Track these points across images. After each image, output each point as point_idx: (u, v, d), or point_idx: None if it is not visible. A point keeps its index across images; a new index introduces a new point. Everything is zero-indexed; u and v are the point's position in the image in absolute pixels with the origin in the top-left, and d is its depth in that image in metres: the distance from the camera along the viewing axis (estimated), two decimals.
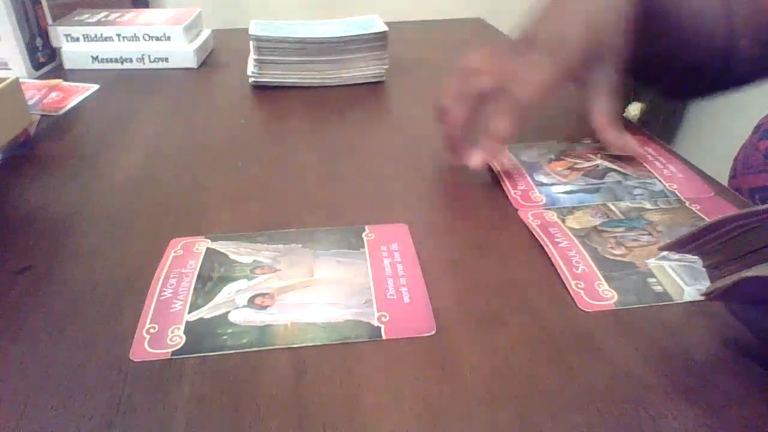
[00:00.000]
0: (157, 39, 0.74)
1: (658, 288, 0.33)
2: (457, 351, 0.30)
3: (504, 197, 0.43)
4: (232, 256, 0.37)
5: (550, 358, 0.29)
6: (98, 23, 0.75)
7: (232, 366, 0.29)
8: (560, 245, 0.37)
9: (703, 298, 0.27)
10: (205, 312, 0.32)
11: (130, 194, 0.45)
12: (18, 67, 0.69)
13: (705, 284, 0.29)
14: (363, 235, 0.39)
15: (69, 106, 0.62)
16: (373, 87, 0.68)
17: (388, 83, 0.68)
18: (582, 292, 0.33)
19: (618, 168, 0.46)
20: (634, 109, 1.69)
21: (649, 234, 0.38)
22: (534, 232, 0.39)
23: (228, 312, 0.32)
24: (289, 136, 0.55)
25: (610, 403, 0.26)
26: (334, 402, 0.27)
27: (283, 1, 1.77)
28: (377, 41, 0.67)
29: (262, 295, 0.33)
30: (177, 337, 0.30)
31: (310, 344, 0.30)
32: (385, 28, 0.67)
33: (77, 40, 0.74)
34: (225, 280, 0.35)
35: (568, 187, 0.44)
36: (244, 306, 0.32)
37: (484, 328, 0.31)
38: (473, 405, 0.27)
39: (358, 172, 0.48)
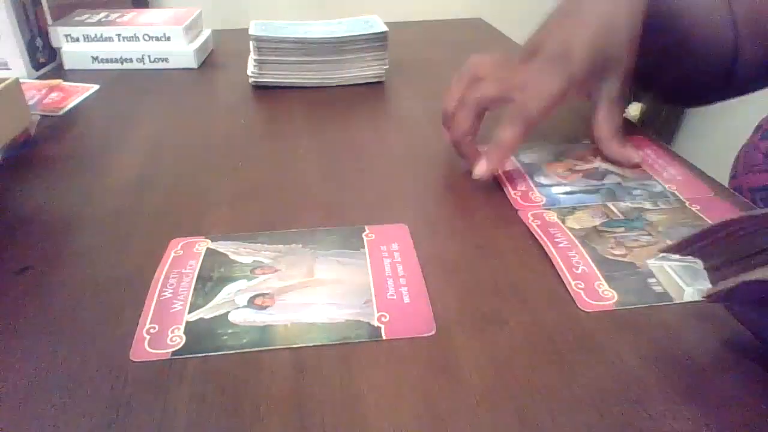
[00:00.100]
0: (157, 39, 0.74)
1: (658, 288, 0.33)
2: (457, 351, 0.30)
3: (504, 197, 0.43)
4: (232, 257, 0.37)
5: (550, 358, 0.29)
6: (98, 23, 0.75)
7: (232, 366, 0.29)
8: (560, 245, 0.37)
9: (703, 299, 0.27)
10: (205, 312, 0.32)
11: (130, 194, 0.45)
12: (18, 67, 0.69)
13: (705, 284, 0.29)
14: (363, 235, 0.39)
15: (69, 106, 0.62)
16: (373, 87, 0.68)
17: (388, 83, 0.68)
18: (582, 292, 0.33)
19: (617, 170, 0.46)
20: (634, 109, 1.69)
21: (649, 234, 0.38)
22: (534, 233, 0.39)
23: (228, 312, 0.32)
24: (289, 136, 0.55)
25: (610, 403, 0.26)
26: (334, 402, 0.27)
27: (283, 1, 1.78)
28: (377, 41, 0.67)
29: (262, 295, 0.33)
30: (177, 338, 0.30)
31: (310, 344, 0.30)
32: (385, 28, 0.67)
33: (77, 40, 0.74)
34: (225, 280, 0.35)
35: (568, 188, 0.44)
36: (244, 306, 0.32)
37: (484, 328, 0.31)
38: (473, 405, 0.27)
39: (358, 172, 0.48)
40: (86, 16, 0.78)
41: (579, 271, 0.35)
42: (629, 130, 0.52)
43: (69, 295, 0.34)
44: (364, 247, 0.38)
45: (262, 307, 0.32)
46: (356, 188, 0.46)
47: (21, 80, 0.52)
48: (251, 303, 0.33)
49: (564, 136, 0.52)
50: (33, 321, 0.32)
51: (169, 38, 0.74)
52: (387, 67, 0.68)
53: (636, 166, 0.46)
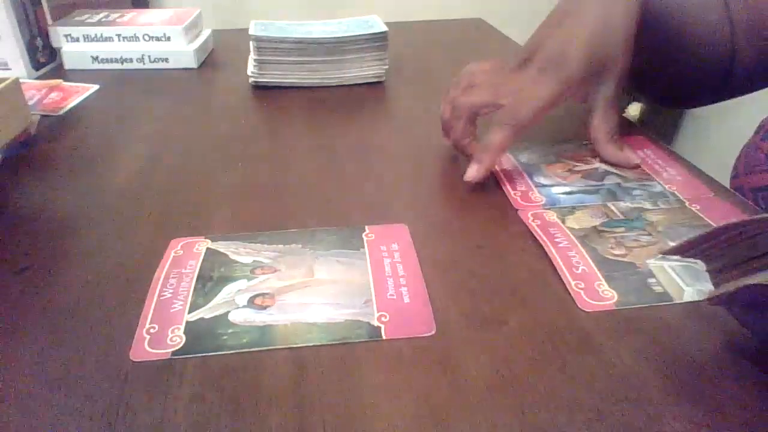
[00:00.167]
0: (157, 39, 0.74)
1: (658, 288, 0.33)
2: (457, 351, 0.30)
3: (504, 197, 0.43)
4: (232, 256, 0.37)
5: (550, 358, 0.29)
6: (98, 23, 0.75)
7: (232, 366, 0.29)
8: (560, 245, 0.37)
9: (704, 299, 0.28)
10: (205, 312, 0.32)
11: (130, 194, 0.45)
12: (18, 67, 0.69)
13: (705, 285, 0.29)
14: (363, 235, 0.39)
15: (69, 106, 0.62)
16: (373, 87, 0.68)
17: (388, 83, 0.68)
18: (582, 292, 0.33)
19: (617, 170, 0.46)
20: (634, 109, 1.69)
21: (649, 234, 0.38)
22: (534, 232, 0.39)
23: (228, 312, 0.32)
24: (289, 136, 0.55)
25: (610, 403, 0.26)
26: (334, 402, 0.27)
27: (283, 1, 1.78)
28: (377, 41, 0.67)
29: (262, 295, 0.33)
30: (177, 337, 0.30)
31: (310, 344, 0.30)
32: (385, 28, 0.67)
33: (77, 40, 0.74)
34: (225, 280, 0.35)
35: (568, 188, 0.44)
36: (244, 306, 0.32)
37: (484, 328, 0.31)
38: (473, 405, 0.27)
39: (358, 172, 0.48)
40: (86, 16, 0.78)
41: (579, 271, 0.35)
42: (630, 130, 0.52)
43: (69, 295, 0.34)
44: (364, 247, 0.38)
45: (262, 307, 0.32)
46: (356, 188, 0.46)
47: (21, 80, 0.52)
48: (251, 303, 0.33)
49: (563, 136, 0.52)
50: (33, 321, 0.32)
51: (169, 38, 0.74)
52: (387, 67, 0.68)
53: (635, 167, 0.46)
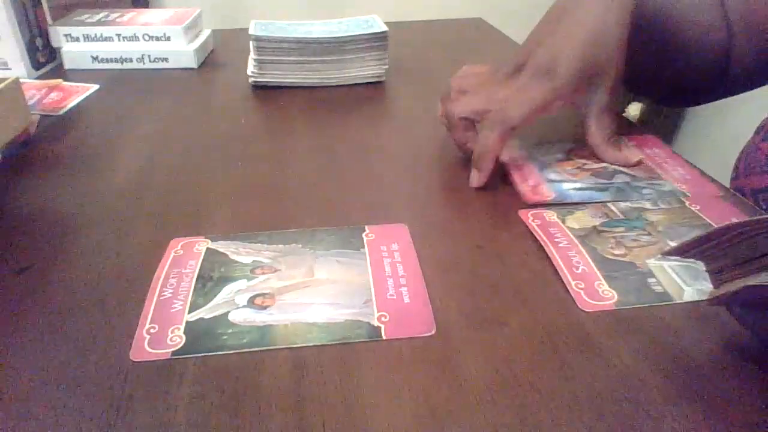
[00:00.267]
0: (157, 39, 0.74)
1: (658, 288, 0.33)
2: (457, 351, 0.30)
3: (504, 197, 0.43)
4: (232, 256, 0.37)
5: (550, 358, 0.29)
6: (98, 23, 0.75)
7: (232, 366, 0.29)
8: (560, 245, 0.37)
9: (704, 300, 0.28)
10: (205, 312, 0.32)
11: (130, 194, 0.45)
12: (18, 67, 0.69)
13: (705, 284, 0.29)
14: (363, 235, 0.39)
15: (69, 106, 0.62)
16: (373, 87, 0.68)
17: (388, 83, 0.68)
18: (582, 292, 0.33)
19: (626, 169, 0.46)
20: (634, 109, 1.69)
21: (649, 234, 0.38)
22: (534, 232, 0.39)
23: (228, 312, 0.32)
24: (289, 136, 0.55)
25: (610, 403, 0.26)
26: (334, 402, 0.27)
27: (283, 1, 1.78)
28: (377, 41, 0.67)
29: (262, 295, 0.33)
30: (177, 337, 0.30)
31: (310, 344, 0.30)
32: (385, 28, 0.67)
33: (77, 40, 0.74)
34: (225, 280, 0.35)
35: (578, 185, 0.44)
36: (244, 306, 0.32)
37: (484, 328, 0.31)
38: (473, 405, 0.27)
39: (358, 172, 0.48)
40: (86, 16, 0.78)
41: (579, 271, 0.35)
42: (634, 130, 0.52)
43: (69, 295, 0.34)
44: (364, 247, 0.38)
45: (262, 307, 0.32)
46: (356, 188, 0.46)
47: (21, 80, 0.52)
48: (251, 303, 0.33)
49: (573, 135, 0.52)
50: (33, 321, 0.32)
51: (169, 38, 0.74)
52: (387, 67, 0.68)
53: (636, 164, 0.46)
